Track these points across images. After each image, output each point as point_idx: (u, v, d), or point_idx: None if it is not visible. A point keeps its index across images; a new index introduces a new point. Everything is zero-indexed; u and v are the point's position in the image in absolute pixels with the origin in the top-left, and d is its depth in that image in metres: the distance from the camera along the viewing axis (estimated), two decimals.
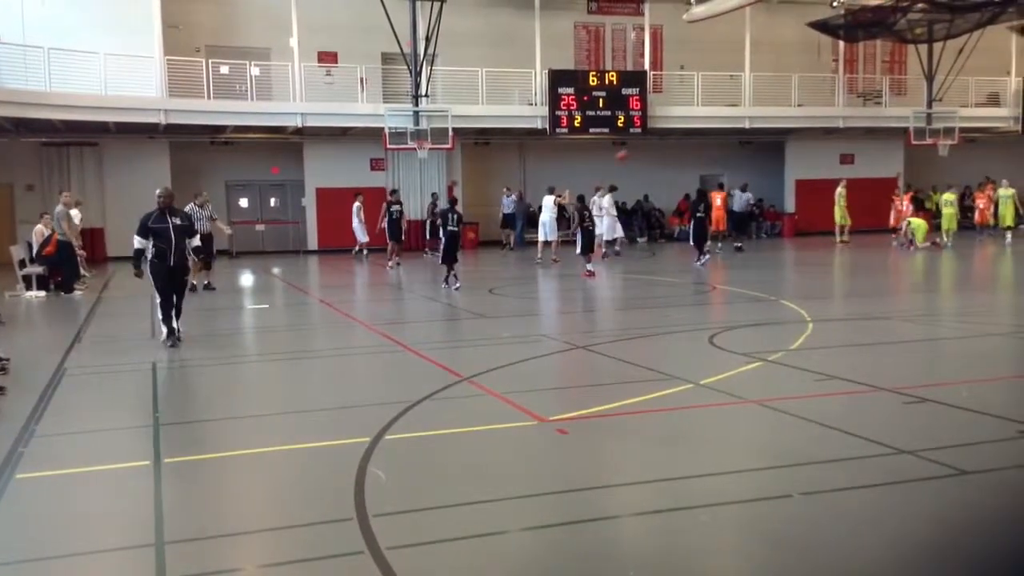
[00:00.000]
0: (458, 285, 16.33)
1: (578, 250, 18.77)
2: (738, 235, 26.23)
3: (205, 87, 24.00)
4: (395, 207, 22.39)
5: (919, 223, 23.92)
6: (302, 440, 6.45)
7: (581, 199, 19.82)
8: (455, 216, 16.93)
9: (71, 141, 24.84)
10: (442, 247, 16.72)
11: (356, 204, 23.97)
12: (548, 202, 21.63)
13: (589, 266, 18.28)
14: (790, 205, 31.54)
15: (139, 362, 9.73)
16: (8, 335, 11.04)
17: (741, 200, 26.70)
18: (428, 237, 24.48)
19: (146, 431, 6.84)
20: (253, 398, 8.42)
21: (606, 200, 23.05)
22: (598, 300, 15.76)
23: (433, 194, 25.98)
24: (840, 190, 26.04)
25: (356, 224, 23.89)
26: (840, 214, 26.21)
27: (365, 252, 23.82)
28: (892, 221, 25.61)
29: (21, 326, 13.30)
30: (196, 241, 11.44)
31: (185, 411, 7.85)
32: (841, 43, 29.87)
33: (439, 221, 17.64)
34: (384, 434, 6.39)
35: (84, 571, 4.41)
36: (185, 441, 6.65)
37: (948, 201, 25.30)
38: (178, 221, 10.70)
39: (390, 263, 21.39)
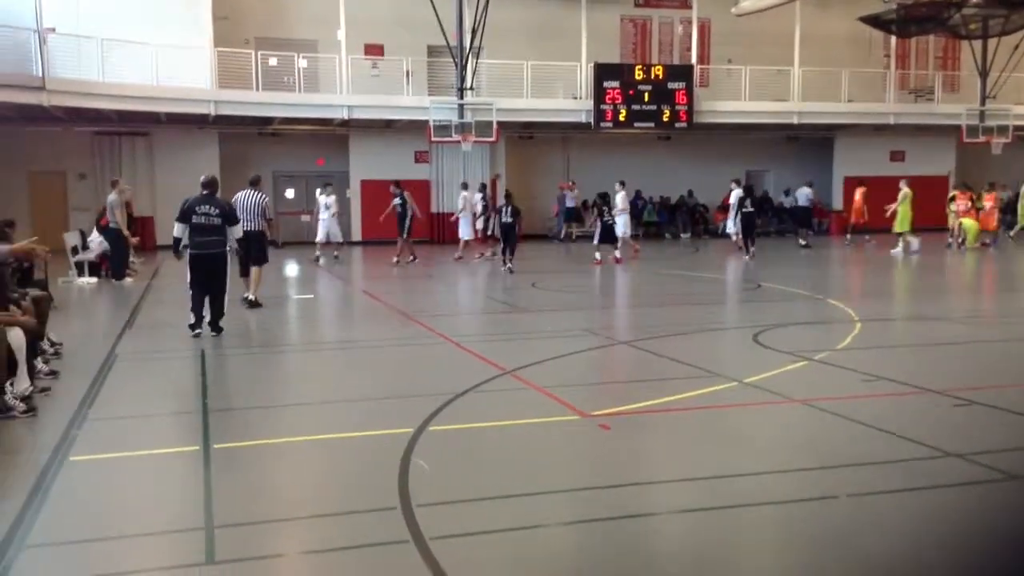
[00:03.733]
0: (511, 267, 18.29)
1: (596, 240, 19.97)
2: (803, 231, 26.12)
3: (254, 78, 24.31)
4: (396, 199, 20.59)
5: (970, 224, 23.28)
6: (347, 429, 6.53)
7: (604, 196, 20.23)
8: (510, 208, 18.92)
9: (123, 131, 25.29)
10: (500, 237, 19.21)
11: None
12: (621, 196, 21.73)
13: (617, 253, 19.88)
14: (838, 202, 31.08)
15: (188, 349, 9.90)
16: (61, 321, 11.29)
17: (803, 196, 26.78)
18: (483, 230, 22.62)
19: (195, 417, 6.97)
20: (299, 387, 8.53)
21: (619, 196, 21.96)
22: (642, 295, 15.69)
23: (483, 185, 25.52)
24: (906, 190, 22.54)
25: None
26: (902, 219, 22.42)
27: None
28: (951, 222, 23.83)
29: (74, 312, 13.60)
30: (239, 231, 10.90)
31: (233, 398, 7.98)
32: (893, 38, 29.32)
33: (492, 213, 19.66)
34: (428, 425, 6.44)
35: (135, 552, 4.51)
36: (233, 428, 6.76)
37: None
38: (216, 211, 10.45)
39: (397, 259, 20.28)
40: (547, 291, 15.84)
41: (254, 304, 12.77)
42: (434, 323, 11.68)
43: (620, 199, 21.77)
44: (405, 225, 20.51)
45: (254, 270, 12.94)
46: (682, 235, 29.65)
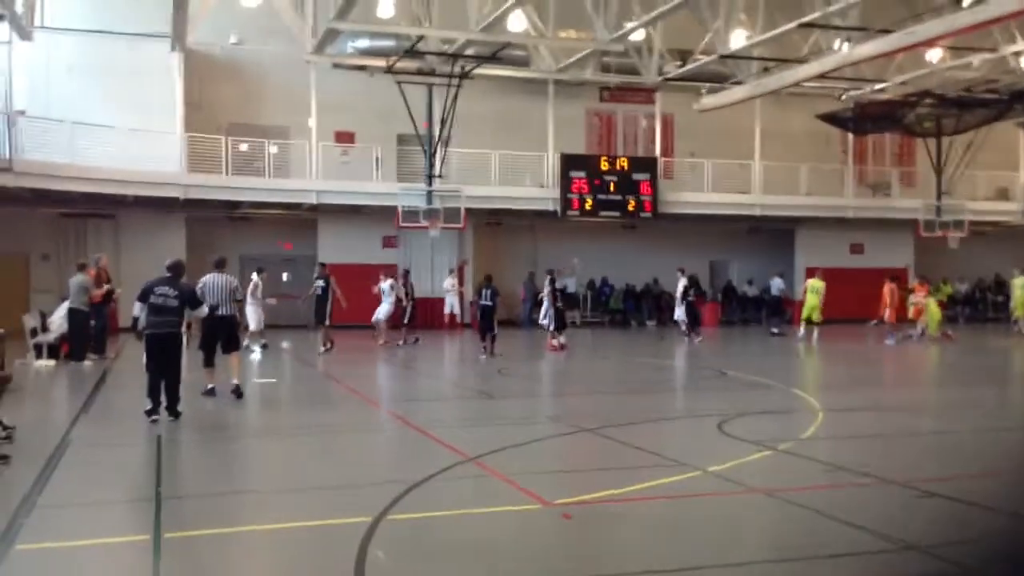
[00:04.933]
0: (497, 353, 18.11)
1: (552, 327, 19.98)
2: (775, 320, 26.66)
3: (224, 163, 24.49)
4: (318, 282, 19.66)
5: (934, 311, 23.48)
6: (304, 518, 6.38)
7: (552, 281, 20.42)
8: (489, 291, 18.89)
9: (88, 212, 25.22)
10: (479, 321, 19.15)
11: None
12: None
13: (560, 340, 19.74)
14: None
15: (144, 435, 9.70)
16: (16, 404, 11.03)
17: (775, 286, 27.48)
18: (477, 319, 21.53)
19: (147, 505, 6.78)
20: (255, 474, 8.36)
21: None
22: (608, 383, 15.70)
23: (406, 271, 25.15)
24: (812, 281, 23.12)
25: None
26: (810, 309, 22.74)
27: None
28: (912, 314, 23.66)
29: (29, 395, 13.30)
30: (204, 311, 10.95)
31: (187, 486, 7.80)
32: (850, 135, 30.32)
33: (472, 297, 18.94)
34: (386, 514, 6.32)
35: None
36: (186, 516, 6.59)
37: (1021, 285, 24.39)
38: (175, 293, 10.40)
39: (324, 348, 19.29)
40: (513, 377, 15.79)
41: (239, 392, 12.04)
42: (397, 409, 11.57)
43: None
44: (326, 310, 19.25)
45: (231, 357, 12.23)
46: (647, 322, 29.86)
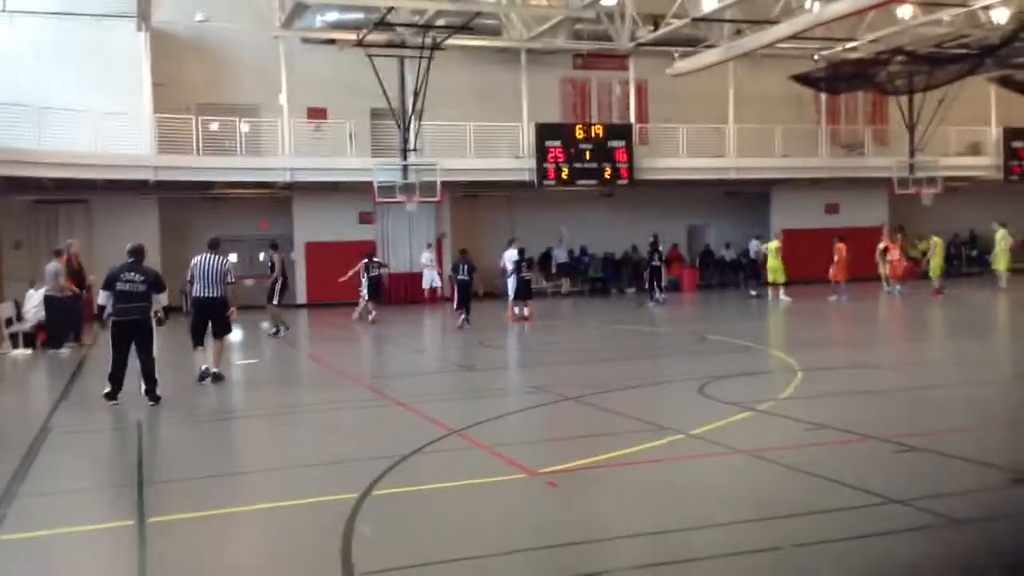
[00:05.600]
0: (468, 326, 18.29)
1: (512, 296, 19.90)
2: (754, 283, 27.01)
3: (194, 143, 24.20)
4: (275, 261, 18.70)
5: (937, 262, 23.79)
6: (289, 497, 6.38)
7: (522, 252, 20.38)
8: (466, 267, 19.00)
9: (60, 199, 24.90)
10: (455, 295, 19.25)
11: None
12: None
13: (524, 310, 19.75)
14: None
15: (125, 421, 9.64)
16: None
17: (752, 248, 27.92)
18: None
19: (130, 490, 6.75)
20: (240, 455, 8.35)
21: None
22: (590, 351, 15.74)
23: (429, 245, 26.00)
24: (773, 243, 24.15)
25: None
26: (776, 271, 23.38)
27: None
28: (887, 270, 24.54)
29: (7, 385, 13.19)
30: (164, 300, 10.68)
31: (170, 470, 7.74)
32: (823, 95, 30.34)
33: (450, 272, 19.56)
34: (372, 490, 6.33)
35: None
36: (170, 500, 6.57)
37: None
38: (141, 278, 10.32)
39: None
40: (495, 349, 15.81)
41: (217, 377, 11.80)
42: (379, 385, 11.56)
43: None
44: (275, 290, 18.42)
45: (216, 342, 11.89)
46: (627, 290, 29.93)
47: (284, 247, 26.65)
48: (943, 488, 6.10)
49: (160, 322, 10.69)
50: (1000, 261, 24.90)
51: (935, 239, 24.35)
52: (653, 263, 24.35)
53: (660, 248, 24.54)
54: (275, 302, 18.61)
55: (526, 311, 19.89)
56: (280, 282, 18.59)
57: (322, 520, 5.76)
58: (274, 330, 18.39)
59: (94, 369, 14.26)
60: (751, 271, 28.22)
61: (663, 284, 24.75)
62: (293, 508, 6.16)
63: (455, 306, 19.17)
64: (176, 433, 9.40)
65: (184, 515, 6.06)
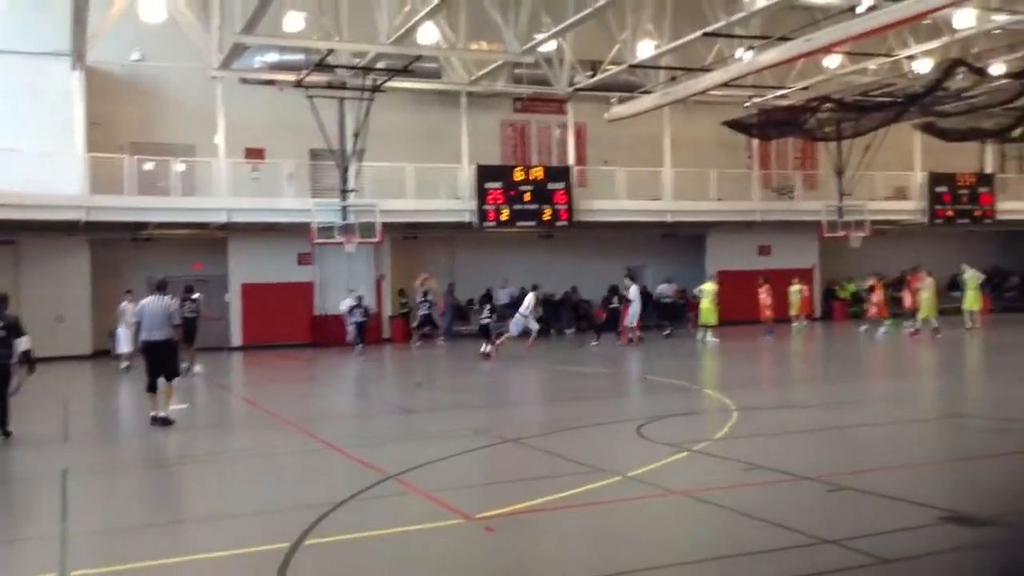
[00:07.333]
0: (363, 358, 20.97)
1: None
2: (668, 323, 27.17)
3: (127, 183, 23.80)
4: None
5: (928, 301, 23.57)
6: (219, 548, 6.21)
7: (488, 295, 21.99)
8: (362, 309, 22.36)
9: None
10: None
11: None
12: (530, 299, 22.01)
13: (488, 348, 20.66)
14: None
15: (49, 466, 9.31)
16: None
17: (667, 291, 27.99)
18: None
19: (53, 541, 6.50)
20: (170, 504, 8.11)
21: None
22: (529, 392, 15.73)
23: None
24: (708, 285, 24.68)
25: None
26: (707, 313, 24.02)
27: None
28: (872, 312, 25.17)
29: None
30: (24, 344, 10.84)
31: (96, 519, 7.49)
32: (755, 140, 31.15)
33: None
34: (304, 539, 6.19)
35: None
36: (94, 551, 6.35)
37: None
38: (2, 323, 10.64)
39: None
40: (433, 391, 15.70)
41: (165, 422, 11.57)
42: (313, 428, 11.38)
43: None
44: (196, 330, 18.53)
45: (166, 385, 11.75)
46: (566, 331, 30.05)
47: (217, 288, 26.30)
48: (873, 527, 6.19)
49: (31, 370, 10.95)
50: (973, 301, 25.03)
51: (928, 279, 23.95)
52: (611, 306, 24.55)
53: (621, 291, 24.42)
54: (193, 344, 18.46)
55: (488, 348, 20.67)
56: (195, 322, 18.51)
57: (253, 571, 5.62)
58: (188, 366, 18.01)
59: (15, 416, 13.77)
60: (665, 314, 27.98)
61: (620, 327, 24.43)
62: (221, 560, 5.99)
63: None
64: (105, 480, 9.10)
65: (107, 568, 5.86)
